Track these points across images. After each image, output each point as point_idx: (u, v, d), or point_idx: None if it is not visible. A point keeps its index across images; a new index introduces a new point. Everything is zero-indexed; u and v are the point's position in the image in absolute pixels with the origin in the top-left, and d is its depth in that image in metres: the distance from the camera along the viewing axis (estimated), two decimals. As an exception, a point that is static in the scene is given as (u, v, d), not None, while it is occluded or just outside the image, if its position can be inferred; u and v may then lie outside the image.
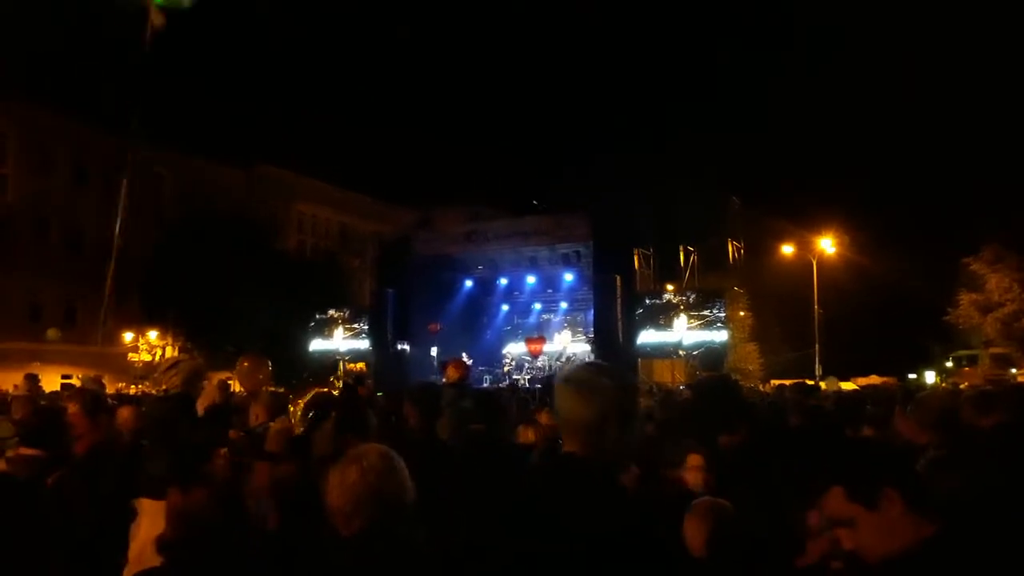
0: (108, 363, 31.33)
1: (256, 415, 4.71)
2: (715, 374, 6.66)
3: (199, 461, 3.48)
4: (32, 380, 9.18)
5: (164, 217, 35.28)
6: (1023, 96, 37.21)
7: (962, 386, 19.37)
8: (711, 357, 6.81)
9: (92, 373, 14.31)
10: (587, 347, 25.37)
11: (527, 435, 4.65)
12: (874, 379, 22.15)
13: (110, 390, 14.78)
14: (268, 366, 6.44)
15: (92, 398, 4.12)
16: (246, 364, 6.32)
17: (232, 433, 4.77)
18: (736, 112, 58.63)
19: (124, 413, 4.85)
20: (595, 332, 23.45)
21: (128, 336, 33.08)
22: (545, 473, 1.96)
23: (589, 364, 2.09)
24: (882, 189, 33.59)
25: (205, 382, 8.35)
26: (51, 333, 31.47)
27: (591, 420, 1.87)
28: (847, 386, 19.61)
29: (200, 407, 6.00)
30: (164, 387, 4.31)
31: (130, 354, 32.48)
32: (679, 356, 21.85)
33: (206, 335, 30.18)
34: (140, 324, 32.04)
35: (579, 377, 1.96)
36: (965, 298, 29.54)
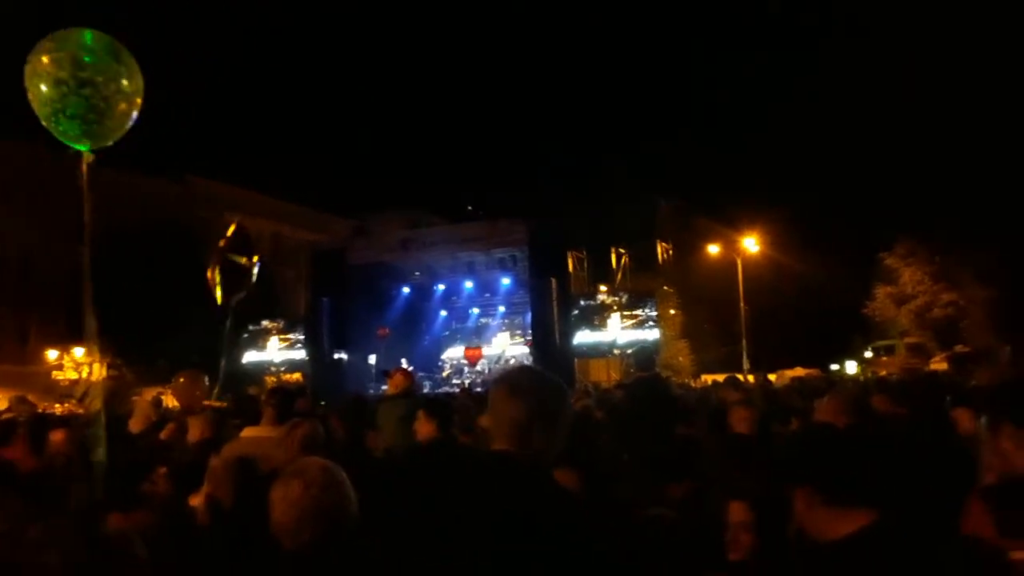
0: (31, 382, 30.00)
1: (195, 432, 4.72)
2: (645, 374, 6.91)
3: (136, 482, 3.49)
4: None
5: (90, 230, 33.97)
6: (936, 95, 39.07)
7: (881, 374, 20.34)
8: (644, 356, 7.06)
9: (14, 393, 13.78)
10: (525, 349, 25.72)
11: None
12: (799, 371, 23.01)
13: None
14: (205, 381, 6.41)
15: (35, 425, 4.06)
16: (182, 380, 6.29)
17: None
18: (662, 117, 59.89)
19: (57, 436, 4.79)
20: (533, 334, 23.74)
21: (52, 354, 31.79)
22: (480, 464, 1.99)
23: (522, 367, 2.18)
24: (801, 188, 34.87)
25: (135, 398, 8.22)
26: (-26, 355, 30.07)
27: (520, 420, 1.94)
28: (774, 379, 20.29)
29: (134, 426, 5.96)
30: (86, 411, 4.21)
31: (54, 372, 31.20)
32: (614, 355, 22.30)
33: (137, 350, 29.28)
34: (65, 341, 30.81)
35: (510, 378, 2.06)
36: (881, 291, 30.93)
